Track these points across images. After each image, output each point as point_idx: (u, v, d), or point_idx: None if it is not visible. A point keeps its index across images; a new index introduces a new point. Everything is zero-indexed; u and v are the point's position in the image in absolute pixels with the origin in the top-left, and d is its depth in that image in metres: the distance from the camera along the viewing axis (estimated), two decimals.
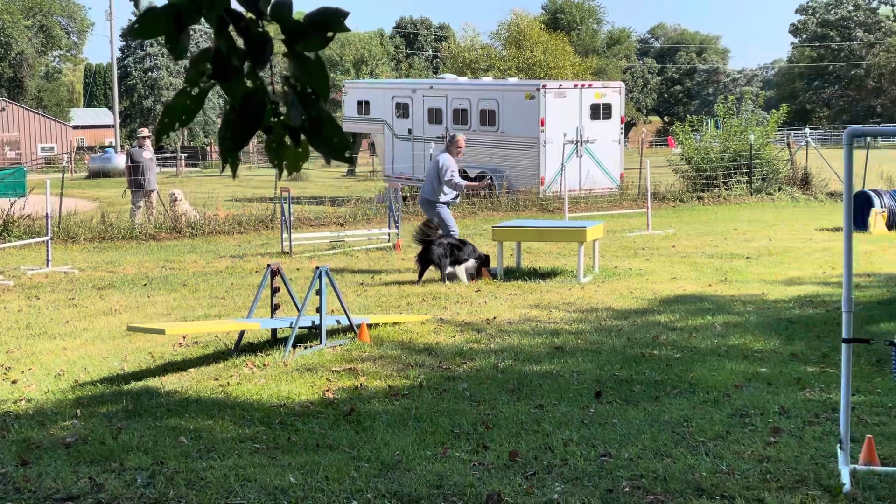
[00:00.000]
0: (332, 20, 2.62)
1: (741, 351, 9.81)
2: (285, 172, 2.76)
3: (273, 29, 2.64)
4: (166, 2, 2.64)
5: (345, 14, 2.62)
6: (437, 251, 14.45)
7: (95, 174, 54.47)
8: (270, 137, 2.69)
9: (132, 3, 2.79)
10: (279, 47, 2.64)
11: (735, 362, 9.32)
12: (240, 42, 2.61)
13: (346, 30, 2.64)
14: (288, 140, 2.69)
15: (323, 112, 2.66)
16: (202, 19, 2.63)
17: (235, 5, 2.62)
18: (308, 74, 2.64)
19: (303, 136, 2.68)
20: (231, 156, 2.71)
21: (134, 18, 2.69)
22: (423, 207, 15.66)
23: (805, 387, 8.40)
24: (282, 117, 2.66)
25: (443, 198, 15.35)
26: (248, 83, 2.62)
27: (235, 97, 2.62)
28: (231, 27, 2.60)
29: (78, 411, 8.01)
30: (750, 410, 7.71)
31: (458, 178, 15.32)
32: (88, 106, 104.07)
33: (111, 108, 77.04)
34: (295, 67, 2.63)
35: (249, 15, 2.60)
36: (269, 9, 2.60)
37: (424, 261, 14.58)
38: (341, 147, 2.68)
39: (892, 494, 5.86)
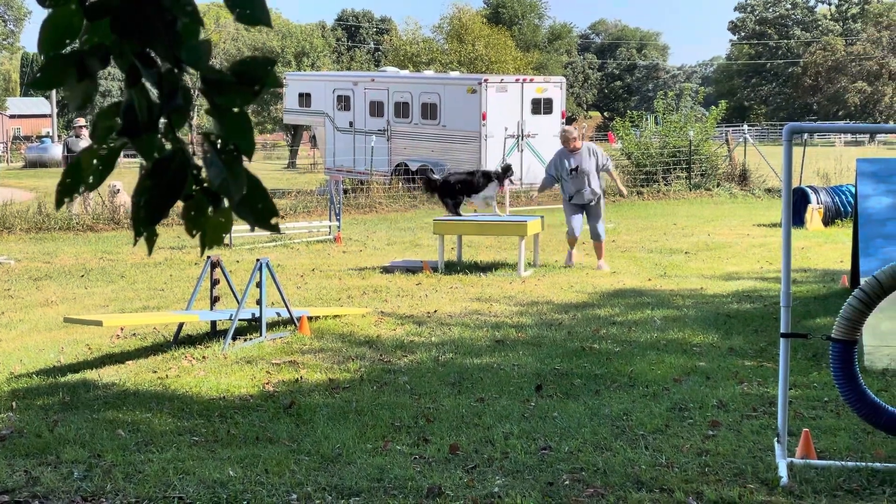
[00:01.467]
0: (259, 72, 2.33)
1: (680, 345, 9.89)
2: (206, 246, 2.46)
3: (195, 79, 2.36)
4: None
5: (273, 62, 2.35)
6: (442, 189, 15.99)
7: (32, 164, 53.71)
8: (188, 204, 2.37)
9: (41, 54, 2.38)
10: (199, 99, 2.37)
11: (674, 356, 9.40)
12: (154, 94, 2.30)
13: (277, 84, 2.39)
14: (209, 209, 2.37)
15: (246, 172, 2.35)
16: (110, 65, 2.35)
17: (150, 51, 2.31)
18: (230, 130, 2.33)
19: (225, 203, 2.37)
20: (147, 228, 2.38)
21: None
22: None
23: (743, 381, 8.49)
24: (204, 184, 2.35)
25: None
26: (167, 145, 2.31)
27: (149, 157, 2.31)
28: (144, 78, 2.30)
29: (13, 404, 7.90)
30: (689, 404, 7.77)
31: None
32: (25, 95, 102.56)
33: (48, 97, 76.06)
34: (216, 122, 2.32)
35: (166, 64, 2.28)
36: (185, 56, 2.28)
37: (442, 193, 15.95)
38: (266, 213, 2.40)
39: (829, 487, 5.94)
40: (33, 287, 14.02)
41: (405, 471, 6.25)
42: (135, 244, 2.46)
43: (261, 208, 2.40)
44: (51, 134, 69.29)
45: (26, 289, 13.87)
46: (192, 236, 2.42)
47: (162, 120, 2.31)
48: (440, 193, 16.26)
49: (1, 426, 7.30)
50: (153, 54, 2.29)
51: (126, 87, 2.30)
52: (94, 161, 2.37)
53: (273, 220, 2.40)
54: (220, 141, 2.34)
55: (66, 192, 2.39)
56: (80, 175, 2.37)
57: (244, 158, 2.36)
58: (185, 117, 2.31)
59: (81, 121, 24.91)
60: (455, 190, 16.03)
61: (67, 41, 2.35)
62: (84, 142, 23.62)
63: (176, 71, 2.29)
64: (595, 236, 15.16)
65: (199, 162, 2.35)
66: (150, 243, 2.44)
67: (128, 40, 2.27)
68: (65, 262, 16.51)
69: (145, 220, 2.36)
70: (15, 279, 14.71)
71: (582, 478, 6.14)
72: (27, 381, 8.68)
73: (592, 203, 15.14)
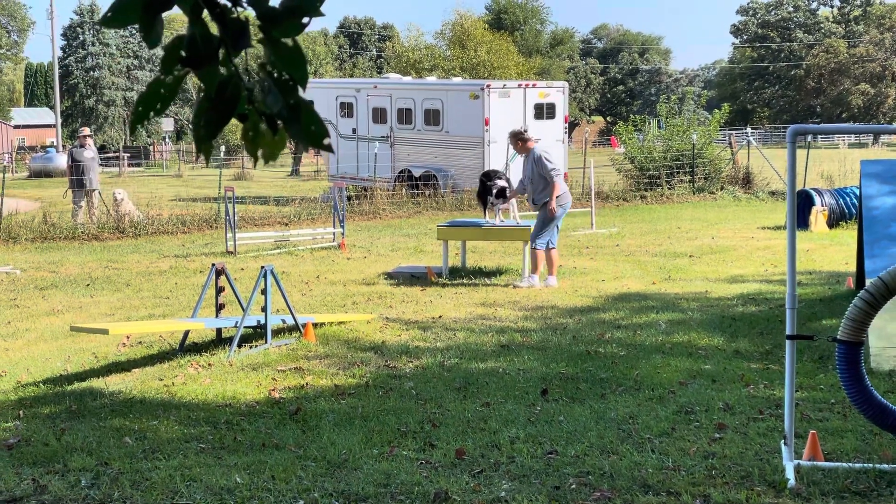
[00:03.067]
0: (306, 4, 2.58)
1: (686, 348, 9.89)
2: (261, 161, 2.74)
3: (249, 16, 2.62)
4: None
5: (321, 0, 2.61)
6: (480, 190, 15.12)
7: (37, 174, 53.78)
8: (246, 125, 2.65)
9: None
10: (255, 33, 2.61)
11: (680, 359, 9.40)
12: (215, 29, 2.56)
13: (321, 14, 2.62)
14: (264, 128, 2.65)
15: (301, 99, 2.62)
16: (175, 6, 2.60)
17: None
18: (285, 61, 2.60)
19: (280, 124, 2.64)
20: (205, 143, 2.67)
21: (105, 10, 2.66)
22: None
23: (749, 383, 8.48)
24: (257, 104, 2.62)
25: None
26: (223, 70, 2.59)
27: (210, 84, 2.58)
28: (206, 13, 2.56)
29: (20, 412, 7.91)
30: (695, 407, 7.77)
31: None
32: (29, 105, 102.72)
33: (52, 107, 76.14)
34: (272, 54, 2.60)
35: (224, 1, 2.56)
36: None
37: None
38: (319, 135, 2.65)
39: (837, 489, 5.94)
40: (39, 296, 14.04)
41: (411, 476, 6.25)
42: (196, 159, 2.87)
43: (314, 130, 2.65)
44: (55, 144, 69.29)
45: (32, 298, 13.89)
46: (252, 155, 2.68)
47: (221, 51, 2.59)
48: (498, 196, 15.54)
49: (8, 435, 7.31)
50: None
51: (189, 23, 2.55)
52: (162, 90, 2.62)
53: (325, 141, 2.65)
54: (275, 71, 2.60)
55: (138, 119, 2.67)
56: (149, 103, 2.64)
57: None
58: (242, 48, 2.57)
59: (86, 130, 24.93)
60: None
61: None
62: (89, 151, 23.67)
63: (232, 7, 2.56)
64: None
65: (254, 85, 2.61)
66: (207, 156, 2.74)
67: None
68: (70, 272, 16.53)
69: (205, 136, 2.64)
70: (21, 289, 14.73)
71: (588, 482, 6.13)
72: (34, 390, 8.70)
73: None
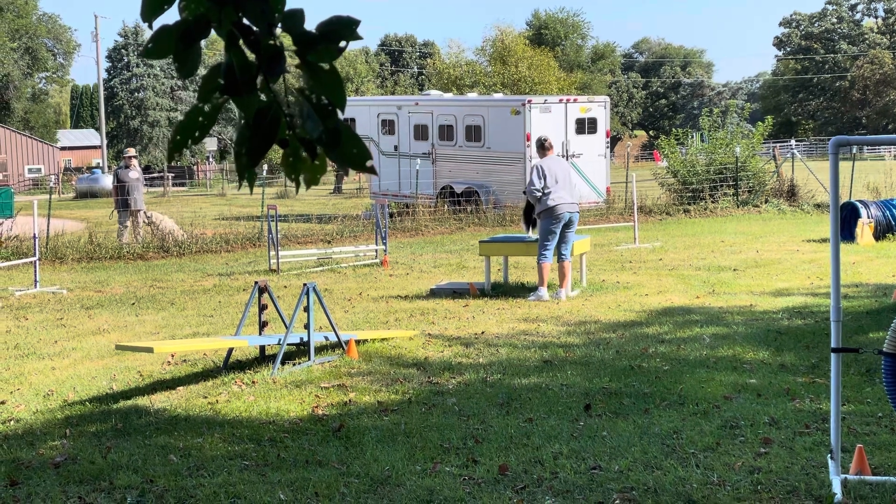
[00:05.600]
0: (343, 29, 2.59)
1: (730, 362, 9.82)
2: (303, 187, 2.73)
3: (286, 41, 2.62)
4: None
5: (356, 22, 2.59)
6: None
7: (83, 195, 54.45)
8: (287, 151, 2.65)
9: (146, 24, 2.68)
10: (292, 59, 2.61)
11: (724, 374, 9.33)
12: (252, 56, 2.57)
13: (359, 37, 2.61)
14: (304, 153, 2.64)
15: (340, 123, 2.61)
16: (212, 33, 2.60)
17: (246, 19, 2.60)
18: (322, 85, 2.59)
19: (319, 149, 2.64)
20: (248, 171, 2.68)
21: (145, 39, 2.67)
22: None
23: (795, 397, 8.41)
24: (297, 130, 2.61)
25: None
26: (262, 97, 2.59)
27: (249, 112, 2.59)
28: (242, 41, 2.57)
29: (67, 431, 7.98)
30: (740, 422, 7.71)
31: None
32: (75, 127, 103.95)
33: (98, 128, 77.03)
34: (309, 79, 2.59)
35: (260, 28, 2.57)
36: (279, 20, 2.57)
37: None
38: (361, 157, 2.64)
39: (884, 503, 5.87)
40: (85, 316, 14.18)
41: (455, 492, 6.24)
42: (239, 187, 2.81)
43: (356, 153, 2.64)
44: (101, 165, 70.10)
45: (79, 317, 14.02)
46: (292, 180, 2.68)
47: (259, 77, 2.58)
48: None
49: (55, 453, 7.38)
50: (247, 21, 2.55)
51: (225, 51, 2.56)
52: (200, 118, 2.63)
53: (368, 164, 2.63)
54: (314, 96, 2.59)
55: (177, 147, 2.67)
56: (188, 131, 2.65)
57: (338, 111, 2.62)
58: (280, 75, 2.57)
59: (131, 151, 25.18)
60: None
61: (166, 6, 2.61)
62: (134, 172, 23.91)
63: (268, 34, 2.56)
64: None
65: (293, 112, 2.60)
66: (251, 183, 2.72)
67: (225, 8, 2.54)
68: (116, 291, 16.68)
69: (247, 163, 2.65)
70: (67, 308, 14.88)
71: (633, 497, 6.10)
72: (80, 409, 8.77)
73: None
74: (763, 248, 19.96)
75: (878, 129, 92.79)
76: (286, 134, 2.62)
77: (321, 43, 2.57)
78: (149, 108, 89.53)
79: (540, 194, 13.95)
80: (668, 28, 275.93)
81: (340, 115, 2.61)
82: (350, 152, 2.63)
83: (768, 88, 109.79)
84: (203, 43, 2.61)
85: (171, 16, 2.63)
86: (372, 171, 2.64)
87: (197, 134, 2.65)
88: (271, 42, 2.56)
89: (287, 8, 2.58)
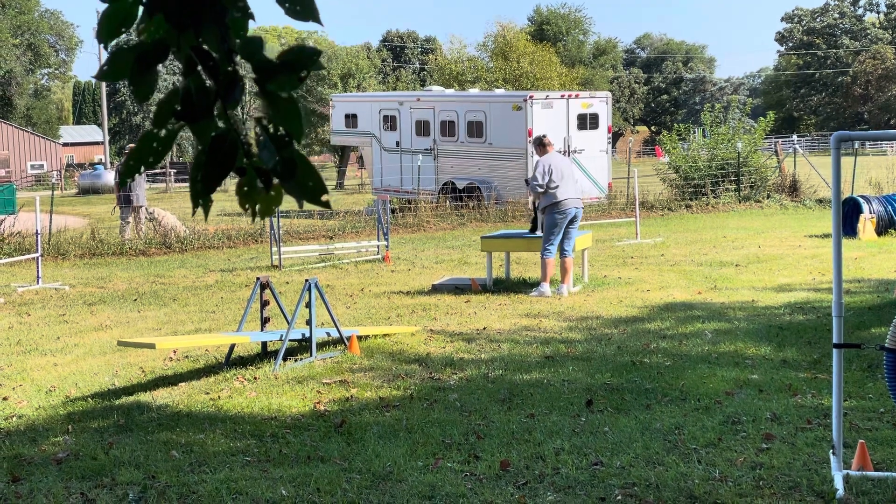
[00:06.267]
0: (305, 59, 2.52)
1: (732, 358, 9.82)
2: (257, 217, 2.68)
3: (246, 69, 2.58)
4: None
5: (318, 53, 2.54)
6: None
7: (85, 191, 54.43)
8: (243, 181, 2.59)
9: (101, 45, 2.65)
10: (251, 86, 2.58)
11: (726, 369, 9.33)
12: (209, 82, 2.51)
13: (321, 67, 2.60)
14: (259, 184, 2.58)
15: (297, 154, 2.54)
16: (169, 58, 2.56)
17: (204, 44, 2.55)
18: (281, 115, 2.53)
19: (275, 180, 2.57)
20: (203, 198, 2.61)
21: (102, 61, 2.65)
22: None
23: (797, 393, 8.41)
24: (254, 159, 2.56)
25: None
26: (220, 124, 2.54)
27: (205, 139, 2.54)
28: (200, 67, 2.52)
29: (69, 427, 7.99)
30: (742, 417, 7.71)
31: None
32: (78, 123, 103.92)
33: (100, 125, 76.99)
34: (267, 107, 2.53)
35: (219, 54, 2.51)
36: (239, 47, 2.51)
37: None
38: (316, 191, 2.57)
39: (886, 499, 5.87)
40: (87, 312, 14.18)
41: (456, 488, 6.25)
42: (193, 214, 2.71)
43: (311, 186, 2.57)
44: (103, 161, 70.12)
45: (81, 314, 14.03)
46: (245, 210, 2.62)
47: (216, 104, 2.54)
48: None
49: (57, 449, 7.38)
50: (206, 47, 2.50)
51: (183, 76, 2.51)
52: (154, 143, 2.59)
53: (324, 198, 2.56)
54: (271, 126, 2.53)
55: (129, 172, 2.63)
56: (141, 157, 2.60)
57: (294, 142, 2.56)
58: (237, 102, 2.52)
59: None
60: None
61: (123, 29, 2.57)
62: None
63: (228, 60, 2.51)
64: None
65: (251, 140, 2.56)
66: (206, 210, 2.65)
67: (184, 34, 2.49)
68: (118, 287, 16.68)
69: (202, 191, 2.59)
70: (70, 304, 14.89)
71: (634, 493, 6.10)
72: (82, 405, 8.78)
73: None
74: (765, 244, 19.95)
75: (879, 124, 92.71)
76: (243, 162, 2.56)
77: (281, 72, 2.52)
78: (151, 104, 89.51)
79: (544, 189, 13.92)
80: (669, 23, 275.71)
81: (296, 146, 2.56)
82: (305, 184, 2.56)
83: (770, 84, 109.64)
84: (160, 67, 2.58)
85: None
86: (327, 205, 2.58)
87: (151, 160, 2.59)
88: (230, 69, 2.51)
89: (249, 34, 2.54)
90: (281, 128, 2.54)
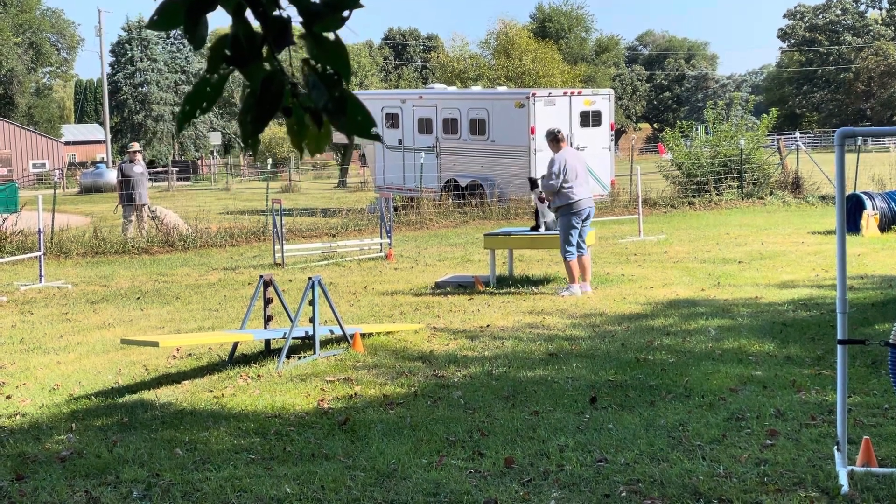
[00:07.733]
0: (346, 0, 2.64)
1: (736, 354, 9.81)
2: (307, 154, 2.79)
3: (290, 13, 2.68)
4: None
5: None
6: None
7: (87, 189, 54.42)
8: (292, 120, 2.70)
9: None
10: (297, 29, 2.66)
11: (730, 366, 9.32)
12: (257, 26, 2.62)
13: (360, 6, 2.66)
14: (309, 122, 2.69)
15: (346, 92, 2.66)
16: (219, 6, 2.65)
17: None
18: (328, 55, 2.65)
19: (325, 118, 2.68)
20: (252, 138, 2.73)
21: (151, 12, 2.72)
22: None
23: (801, 389, 8.40)
24: (301, 98, 2.67)
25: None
26: (267, 66, 2.64)
27: (255, 81, 2.64)
28: (248, 12, 2.62)
29: (73, 425, 7.99)
30: (746, 414, 7.70)
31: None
32: (79, 122, 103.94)
33: (102, 123, 77.08)
34: (314, 49, 2.64)
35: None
36: None
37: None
38: (366, 125, 2.68)
39: (891, 495, 5.86)
40: (90, 310, 14.18)
41: (461, 485, 6.24)
42: (244, 152, 2.85)
43: (360, 121, 2.69)
44: (105, 159, 70.15)
45: (84, 312, 14.03)
46: (298, 149, 2.73)
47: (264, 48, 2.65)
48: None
49: (61, 447, 7.38)
50: None
51: (232, 23, 2.61)
52: (207, 88, 2.68)
53: (373, 131, 2.68)
54: (319, 66, 2.65)
55: (185, 117, 2.73)
56: (196, 101, 2.70)
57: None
58: (285, 45, 2.63)
59: (135, 146, 25.15)
60: None
61: None
62: (138, 166, 23.88)
63: (275, 5, 2.62)
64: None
65: (297, 80, 2.66)
66: (255, 149, 2.77)
67: None
68: (121, 285, 16.69)
69: (252, 130, 2.70)
70: (72, 303, 14.89)
71: (639, 489, 6.10)
72: (86, 403, 8.78)
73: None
74: (768, 241, 19.93)
75: (882, 120, 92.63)
76: (290, 102, 2.67)
77: (326, 13, 2.62)
78: (152, 102, 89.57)
79: (558, 188, 13.81)
80: (672, 20, 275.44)
81: (345, 84, 2.66)
82: (355, 120, 2.68)
83: (772, 80, 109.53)
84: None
85: None
86: (378, 138, 2.69)
87: (205, 104, 2.70)
88: (277, 13, 2.61)
89: None
90: (329, 67, 2.64)
